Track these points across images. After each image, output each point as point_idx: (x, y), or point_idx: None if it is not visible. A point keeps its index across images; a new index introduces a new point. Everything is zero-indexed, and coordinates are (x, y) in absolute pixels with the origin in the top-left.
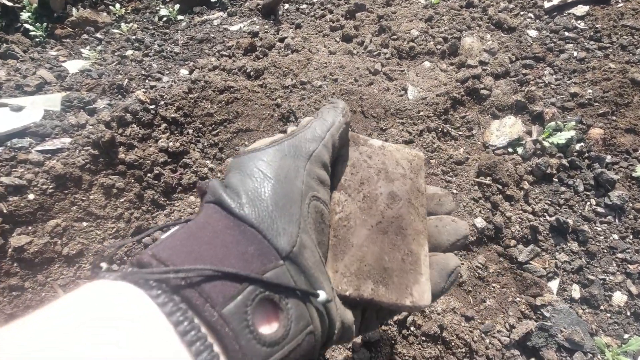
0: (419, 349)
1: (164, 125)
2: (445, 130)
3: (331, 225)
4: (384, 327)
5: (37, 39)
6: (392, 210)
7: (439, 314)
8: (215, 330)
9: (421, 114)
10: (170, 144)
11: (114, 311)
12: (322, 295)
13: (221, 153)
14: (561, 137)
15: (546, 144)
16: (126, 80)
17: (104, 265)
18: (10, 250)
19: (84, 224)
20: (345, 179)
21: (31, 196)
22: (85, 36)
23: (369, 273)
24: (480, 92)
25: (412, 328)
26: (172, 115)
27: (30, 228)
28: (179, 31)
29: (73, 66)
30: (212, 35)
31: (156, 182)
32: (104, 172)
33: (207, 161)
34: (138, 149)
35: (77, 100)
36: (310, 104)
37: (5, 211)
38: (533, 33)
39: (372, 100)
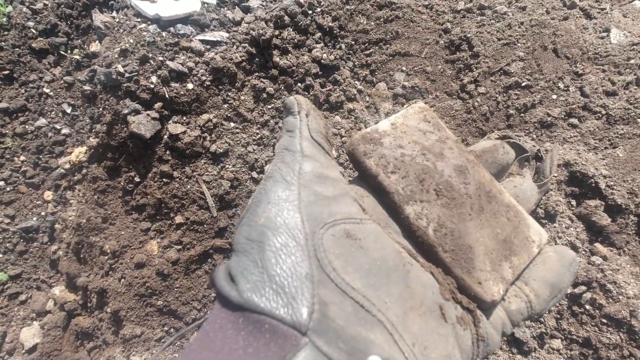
0: (596, 331)
1: (318, 34)
2: None
3: (432, 243)
4: None
5: None
6: (470, 185)
7: (629, 297)
8: None
9: (631, 62)
10: (324, 55)
11: None
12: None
13: (372, 76)
14: None
15: None
16: None
17: None
18: (165, 137)
19: (232, 124)
20: (402, 187)
21: (190, 85)
22: None
23: (498, 257)
24: None
25: (587, 306)
26: (329, 24)
27: (185, 118)
28: None
29: None
30: None
31: (305, 93)
32: (257, 73)
33: (357, 82)
34: (292, 55)
35: None
36: (492, 32)
37: (167, 96)
38: None
39: (568, 37)
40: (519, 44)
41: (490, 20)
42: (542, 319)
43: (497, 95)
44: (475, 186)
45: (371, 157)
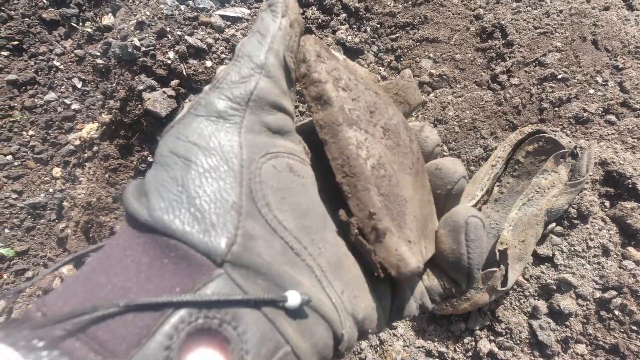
0: (624, 337)
1: (343, 15)
2: None
3: (367, 180)
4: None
5: None
6: (414, 143)
7: None
8: None
9: None
10: (349, 37)
11: None
12: (294, 298)
13: (397, 62)
14: None
15: None
16: None
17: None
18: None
19: None
20: (348, 108)
21: (208, 63)
22: None
23: (419, 230)
24: None
25: (617, 312)
26: (355, 5)
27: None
28: None
29: None
30: None
31: None
32: None
33: (381, 68)
34: (315, 35)
35: None
36: (528, 20)
37: (184, 73)
38: None
39: (609, 29)
40: (556, 34)
41: (527, 7)
42: (567, 323)
43: (531, 87)
44: (417, 148)
45: (323, 63)
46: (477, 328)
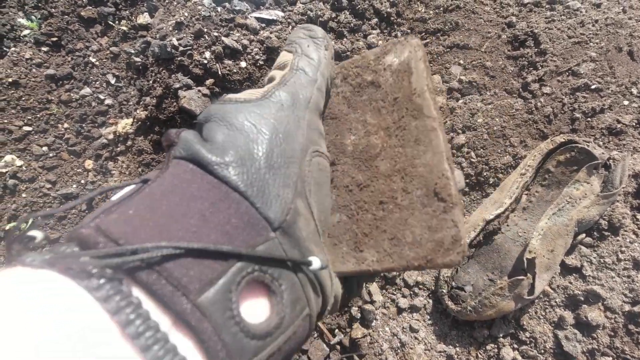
0: None
1: (375, 19)
2: None
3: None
4: None
5: None
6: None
7: None
8: (190, 326)
9: None
10: (380, 42)
11: (30, 321)
12: (316, 263)
13: None
14: None
15: None
16: None
17: (37, 234)
18: None
19: None
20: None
21: (243, 64)
22: None
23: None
24: None
25: None
26: (387, 10)
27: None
28: None
29: None
30: None
31: None
32: None
33: None
34: (347, 39)
35: None
36: (562, 29)
37: (219, 73)
38: None
39: None
40: (591, 44)
41: (561, 16)
42: (594, 335)
43: (563, 97)
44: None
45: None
46: (501, 335)
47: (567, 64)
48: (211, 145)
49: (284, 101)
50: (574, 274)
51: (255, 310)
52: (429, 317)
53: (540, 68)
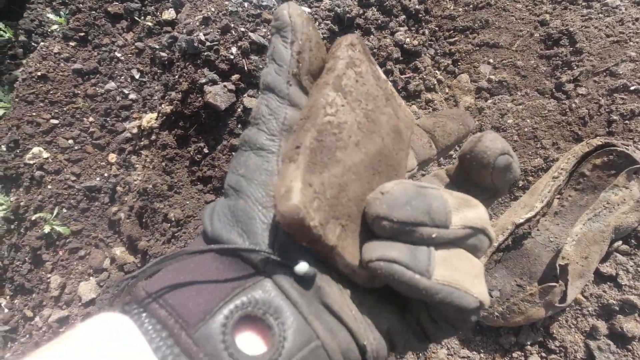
0: None
1: (402, 16)
2: None
3: (315, 123)
4: None
5: None
6: (395, 152)
7: None
8: (190, 356)
9: None
10: (407, 40)
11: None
12: (302, 267)
13: (455, 66)
14: None
15: None
16: None
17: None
18: (239, 110)
19: None
20: (347, 83)
21: None
22: None
23: (342, 212)
24: None
25: None
26: (415, 7)
27: (259, 92)
28: None
29: None
30: None
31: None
32: None
33: (437, 71)
34: (374, 36)
35: None
36: (600, 27)
37: (245, 69)
38: None
39: None
40: (631, 43)
41: (599, 14)
42: (630, 347)
43: (600, 98)
44: (395, 159)
45: (364, 53)
46: (529, 343)
47: (605, 63)
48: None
49: (251, 146)
50: (608, 283)
51: (253, 342)
52: None
53: (575, 68)
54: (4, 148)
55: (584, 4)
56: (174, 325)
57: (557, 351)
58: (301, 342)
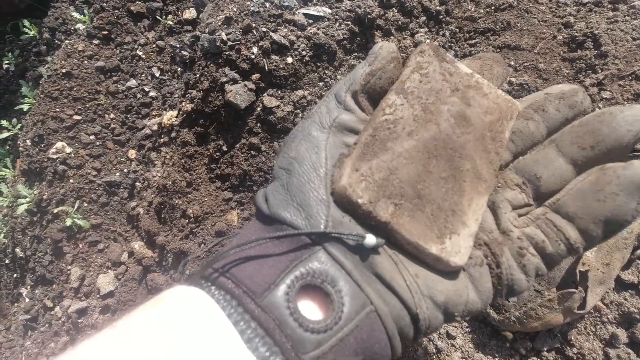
0: None
1: (423, 18)
2: None
3: (373, 123)
4: None
5: None
6: (455, 135)
7: None
8: (260, 322)
9: None
10: (427, 41)
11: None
12: (370, 239)
13: None
14: None
15: None
16: None
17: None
18: (259, 109)
19: None
20: (410, 85)
21: (289, 59)
22: None
23: (394, 192)
24: None
25: None
26: (436, 8)
27: (279, 92)
28: None
29: None
30: None
31: None
32: (356, 53)
33: None
34: (394, 37)
35: None
36: (627, 30)
37: (266, 68)
38: None
39: None
40: None
41: (625, 16)
42: None
43: (625, 102)
44: (458, 142)
45: (431, 60)
46: (545, 349)
47: (631, 67)
48: (265, 198)
49: (304, 134)
50: (630, 290)
51: (314, 308)
52: (467, 324)
53: (600, 71)
54: (29, 142)
55: (609, 6)
56: (242, 295)
57: (575, 358)
58: (357, 307)
